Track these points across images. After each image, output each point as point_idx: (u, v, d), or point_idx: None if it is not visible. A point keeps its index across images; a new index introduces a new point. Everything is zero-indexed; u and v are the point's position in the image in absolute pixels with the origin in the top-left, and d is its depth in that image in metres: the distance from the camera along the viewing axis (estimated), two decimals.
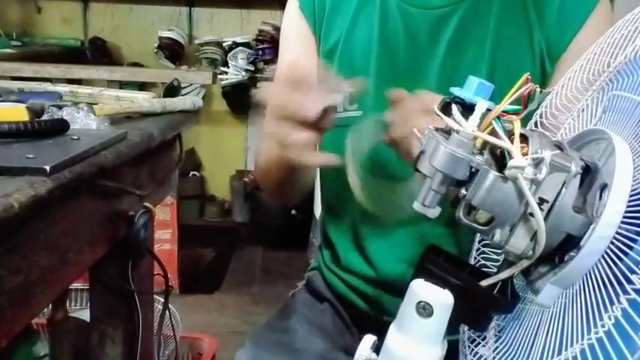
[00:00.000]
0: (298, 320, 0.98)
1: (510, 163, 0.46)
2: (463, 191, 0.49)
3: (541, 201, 0.46)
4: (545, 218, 0.46)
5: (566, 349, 0.45)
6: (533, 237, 0.47)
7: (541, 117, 0.63)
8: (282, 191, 1.00)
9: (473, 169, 0.48)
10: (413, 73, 0.86)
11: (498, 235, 0.48)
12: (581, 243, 0.46)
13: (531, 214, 0.46)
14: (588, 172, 0.48)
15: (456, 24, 0.84)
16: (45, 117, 0.81)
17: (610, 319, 0.41)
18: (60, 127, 0.76)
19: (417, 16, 0.86)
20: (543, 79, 0.83)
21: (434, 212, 0.52)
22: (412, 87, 0.86)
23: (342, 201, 0.95)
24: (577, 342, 0.44)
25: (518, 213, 0.47)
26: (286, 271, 2.87)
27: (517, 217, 0.47)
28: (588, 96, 0.57)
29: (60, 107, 0.83)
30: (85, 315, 1.10)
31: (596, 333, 0.42)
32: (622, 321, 0.40)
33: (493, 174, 0.47)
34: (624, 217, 0.44)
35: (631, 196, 0.44)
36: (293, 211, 3.22)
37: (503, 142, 0.48)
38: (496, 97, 0.51)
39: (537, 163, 0.46)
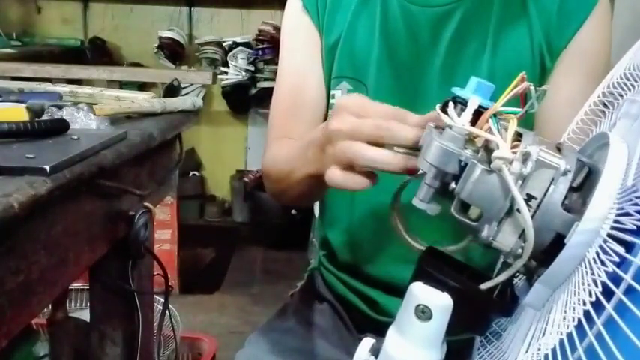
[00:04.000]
0: (298, 320, 0.98)
1: (495, 154, 0.46)
2: (453, 185, 0.49)
3: (529, 197, 0.46)
4: (533, 215, 0.46)
5: (543, 335, 0.44)
6: (522, 235, 0.47)
7: (569, 133, 0.62)
8: (301, 198, 0.88)
9: (462, 164, 0.49)
10: (414, 70, 0.86)
11: (486, 231, 0.48)
12: (565, 239, 0.45)
13: (518, 210, 0.46)
14: (590, 175, 0.47)
15: (457, 22, 0.84)
16: (45, 117, 0.81)
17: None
18: (60, 127, 0.76)
19: (418, 14, 0.86)
20: (542, 75, 0.84)
21: (433, 209, 0.52)
22: (413, 85, 0.86)
23: (339, 200, 0.95)
24: (555, 330, 0.43)
25: (505, 207, 0.47)
26: (286, 271, 2.87)
27: (504, 211, 0.47)
28: (611, 110, 0.56)
29: (60, 107, 0.83)
30: (85, 315, 1.09)
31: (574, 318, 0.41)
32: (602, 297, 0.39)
33: (480, 167, 0.47)
34: (616, 214, 0.42)
35: (626, 194, 0.43)
36: (293, 211, 3.22)
37: (491, 136, 0.48)
38: (497, 95, 0.51)
39: (526, 159, 0.46)
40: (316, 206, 1.05)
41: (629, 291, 0.37)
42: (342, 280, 0.97)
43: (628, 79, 0.52)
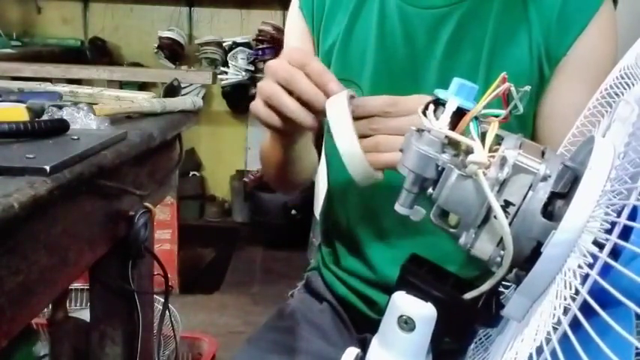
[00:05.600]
0: (297, 320, 0.97)
1: (469, 158, 0.44)
2: (430, 190, 0.48)
3: (507, 204, 0.44)
4: (511, 222, 0.43)
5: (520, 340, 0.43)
6: (500, 243, 0.45)
7: (569, 137, 0.60)
8: (282, 175, 0.96)
9: (440, 168, 0.47)
10: (411, 73, 0.86)
11: (464, 238, 0.46)
12: (542, 248, 0.42)
13: (495, 217, 0.44)
14: (577, 181, 0.45)
15: (455, 24, 0.84)
16: (45, 117, 0.81)
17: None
18: (60, 127, 0.76)
19: (416, 15, 0.85)
20: (541, 82, 0.82)
21: (416, 214, 0.51)
22: (409, 87, 0.86)
23: (338, 201, 0.95)
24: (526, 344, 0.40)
25: (482, 214, 0.45)
26: (286, 271, 2.87)
27: (480, 218, 0.45)
28: (610, 111, 0.55)
29: (60, 107, 0.83)
30: (85, 315, 1.10)
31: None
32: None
33: (456, 172, 0.45)
34: (594, 221, 0.40)
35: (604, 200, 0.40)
36: (293, 211, 3.22)
37: (467, 139, 0.46)
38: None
39: (503, 163, 0.44)
40: (317, 206, 1.05)
41: (584, 307, 0.35)
42: (341, 280, 0.97)
43: (623, 78, 0.50)
